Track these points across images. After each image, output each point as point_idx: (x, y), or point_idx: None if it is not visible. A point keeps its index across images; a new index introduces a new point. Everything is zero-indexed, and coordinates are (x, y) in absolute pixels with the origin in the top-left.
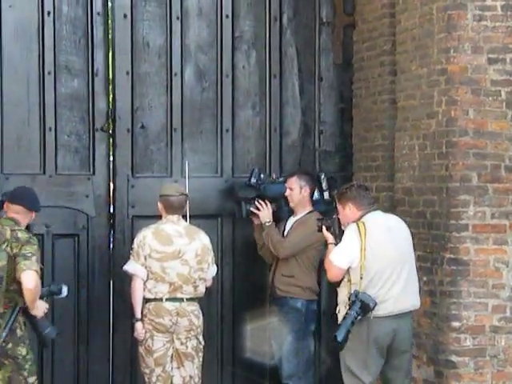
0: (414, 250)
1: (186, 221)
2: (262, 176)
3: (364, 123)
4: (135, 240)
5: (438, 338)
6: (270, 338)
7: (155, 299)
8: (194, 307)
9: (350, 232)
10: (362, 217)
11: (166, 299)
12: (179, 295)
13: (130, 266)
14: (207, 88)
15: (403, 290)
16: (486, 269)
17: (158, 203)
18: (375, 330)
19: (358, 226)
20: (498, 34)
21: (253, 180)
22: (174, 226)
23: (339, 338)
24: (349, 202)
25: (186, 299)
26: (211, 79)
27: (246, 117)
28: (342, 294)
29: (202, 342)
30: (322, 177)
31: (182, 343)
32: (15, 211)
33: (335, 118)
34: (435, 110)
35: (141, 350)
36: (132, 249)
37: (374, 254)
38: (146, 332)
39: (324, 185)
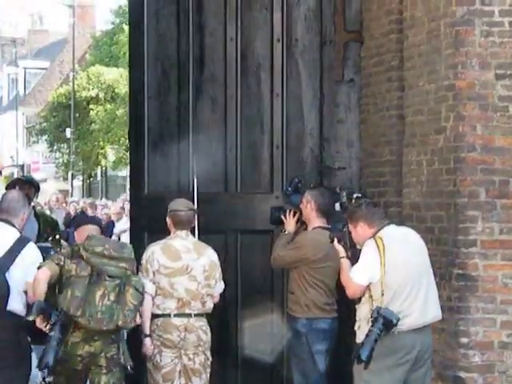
0: None
1: (195, 236)
2: (299, 185)
3: (372, 139)
4: (144, 255)
5: (446, 353)
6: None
7: (163, 315)
8: (202, 323)
9: (369, 248)
10: (375, 233)
11: (174, 315)
12: (187, 311)
13: None
14: None
15: (425, 302)
16: (495, 285)
17: (167, 218)
18: (399, 346)
19: (377, 242)
20: (506, 49)
21: (289, 189)
22: (182, 242)
23: (363, 357)
24: (360, 221)
25: (194, 315)
26: None
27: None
28: (364, 311)
29: (210, 358)
30: (338, 191)
31: (189, 359)
32: (90, 230)
33: (337, 134)
34: (443, 126)
35: (149, 365)
36: (141, 264)
37: (395, 269)
38: (154, 348)
39: (343, 200)
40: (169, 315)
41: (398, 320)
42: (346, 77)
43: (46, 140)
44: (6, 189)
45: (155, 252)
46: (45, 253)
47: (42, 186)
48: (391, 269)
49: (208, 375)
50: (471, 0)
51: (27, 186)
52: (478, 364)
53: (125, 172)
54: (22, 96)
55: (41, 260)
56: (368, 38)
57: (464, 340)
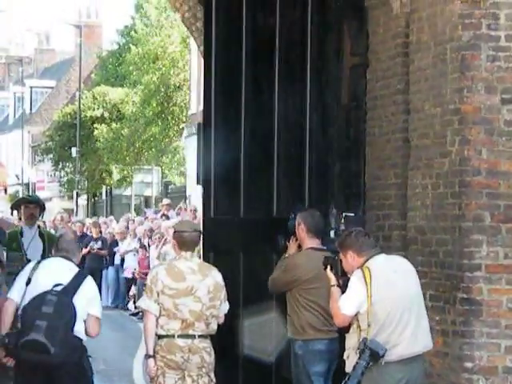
0: (426, 288)
1: (200, 258)
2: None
3: (377, 161)
4: (148, 276)
5: (450, 378)
6: None
7: (167, 336)
8: (206, 344)
9: (356, 278)
10: (365, 262)
11: (178, 336)
12: (191, 332)
13: (142, 303)
14: None
15: (414, 332)
16: (499, 309)
17: (172, 239)
18: (386, 377)
19: (363, 272)
20: None
21: (292, 216)
22: (186, 263)
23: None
24: (349, 250)
25: (198, 336)
26: None
27: None
28: (352, 341)
29: (214, 380)
30: (332, 212)
31: (193, 380)
32: None
33: (344, 156)
34: (448, 150)
35: None
36: (145, 285)
37: (382, 299)
38: (157, 369)
39: (332, 222)
40: (173, 336)
41: (385, 351)
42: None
43: (51, 159)
44: (12, 208)
45: (159, 273)
46: None
47: (46, 204)
48: (377, 299)
49: None
50: (478, 25)
51: (33, 205)
52: None
53: (129, 191)
54: (28, 115)
55: (97, 294)
56: (374, 60)
57: (468, 364)
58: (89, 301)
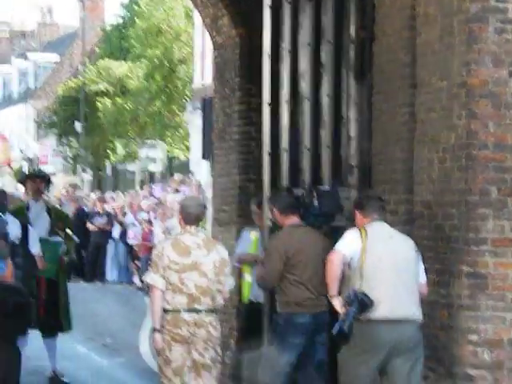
0: (432, 262)
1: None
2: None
3: (383, 136)
4: (154, 251)
5: (455, 351)
6: None
7: (173, 310)
8: (212, 318)
9: (352, 232)
10: (368, 223)
11: (184, 310)
12: (197, 306)
13: (148, 277)
14: None
15: (399, 296)
16: (505, 283)
17: (178, 214)
18: (373, 337)
19: (360, 231)
20: None
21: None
22: (192, 238)
23: (345, 328)
24: (357, 210)
25: (204, 310)
26: None
27: None
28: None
29: (220, 353)
30: (305, 187)
31: (199, 354)
32: None
33: (356, 132)
34: (455, 123)
35: (159, 360)
36: (151, 260)
37: (374, 257)
38: (164, 343)
39: (304, 198)
40: (179, 310)
41: (373, 303)
42: (361, 74)
43: (55, 133)
44: (18, 182)
45: (165, 248)
46: (55, 246)
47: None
48: (370, 255)
49: (218, 370)
50: None
51: (39, 179)
52: (487, 361)
53: (134, 166)
54: (32, 89)
55: None
56: (381, 34)
57: (473, 337)
58: None
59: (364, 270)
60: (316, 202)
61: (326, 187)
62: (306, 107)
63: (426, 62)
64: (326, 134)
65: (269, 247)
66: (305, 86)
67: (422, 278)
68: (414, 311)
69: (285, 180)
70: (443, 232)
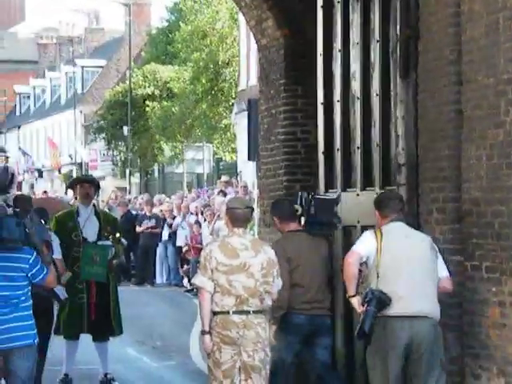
0: (482, 260)
1: (254, 234)
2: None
3: (429, 134)
4: (202, 253)
5: (507, 349)
6: None
7: (222, 312)
8: (261, 319)
9: (367, 234)
10: (386, 223)
11: (233, 312)
12: (246, 308)
13: (197, 280)
14: None
15: (415, 293)
16: None
17: (225, 216)
18: (390, 330)
19: (375, 232)
20: None
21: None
22: (239, 239)
23: (366, 329)
24: (376, 210)
25: (253, 312)
26: None
27: None
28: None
29: (269, 354)
30: (300, 195)
31: (249, 355)
32: None
33: (403, 130)
34: (502, 120)
35: (209, 362)
36: (199, 262)
37: (389, 256)
38: (213, 345)
39: (300, 206)
40: (227, 312)
41: (390, 301)
42: (406, 72)
43: (103, 138)
44: (67, 187)
45: (213, 250)
46: (104, 250)
47: (100, 183)
48: (386, 254)
49: (268, 371)
50: None
51: (88, 184)
52: None
53: (181, 169)
54: (80, 95)
55: None
56: (425, 32)
57: None
58: None
59: (380, 269)
60: (312, 210)
61: (325, 195)
62: (357, 106)
63: (472, 59)
64: (375, 133)
65: (277, 256)
66: (355, 85)
67: (443, 273)
68: (430, 308)
69: (338, 180)
70: (493, 229)
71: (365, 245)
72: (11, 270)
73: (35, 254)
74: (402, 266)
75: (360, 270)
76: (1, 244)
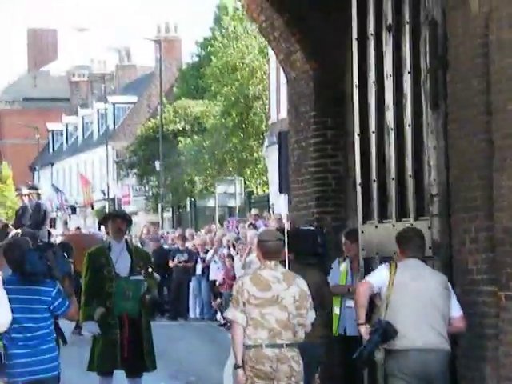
0: None
1: (285, 266)
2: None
3: (460, 164)
4: (234, 286)
5: None
6: None
7: (255, 346)
8: (294, 353)
9: (382, 266)
10: (404, 259)
11: (266, 345)
12: (279, 341)
13: (229, 313)
14: None
15: (423, 328)
16: None
17: (256, 249)
18: (401, 363)
19: (390, 265)
20: None
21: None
22: (271, 272)
23: (365, 355)
24: (397, 244)
25: (286, 345)
26: None
27: None
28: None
29: None
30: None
31: None
32: None
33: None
34: None
35: None
36: (231, 295)
37: (400, 291)
38: (247, 379)
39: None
40: (260, 346)
41: (396, 333)
42: (435, 103)
43: (135, 173)
44: (100, 223)
45: (245, 283)
46: (137, 285)
47: (132, 218)
48: (397, 289)
49: None
50: None
51: (120, 219)
52: None
53: (213, 202)
54: (112, 131)
55: None
56: (453, 62)
57: None
58: None
59: (390, 301)
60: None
61: (307, 228)
62: (391, 137)
63: (501, 88)
64: (409, 164)
65: None
66: (389, 116)
67: (456, 314)
68: (438, 342)
69: (375, 210)
70: None
71: (378, 277)
72: (34, 303)
73: (58, 286)
74: (412, 301)
75: (373, 301)
76: (24, 277)
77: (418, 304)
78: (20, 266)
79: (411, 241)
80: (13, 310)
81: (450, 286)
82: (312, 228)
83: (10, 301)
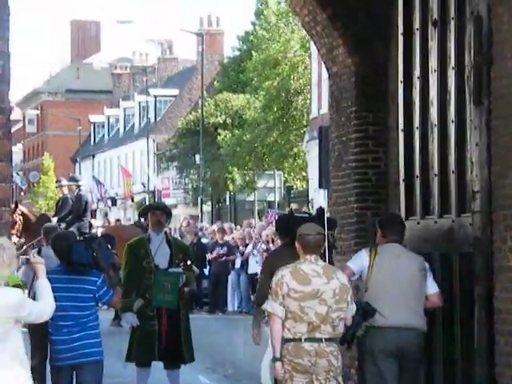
0: None
1: (325, 260)
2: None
3: (503, 160)
4: (273, 279)
5: None
6: None
7: (294, 339)
8: (333, 348)
9: (362, 251)
10: (385, 243)
11: (305, 339)
12: (318, 335)
13: (268, 306)
14: None
15: (401, 307)
16: None
17: (296, 243)
18: (379, 339)
19: (371, 249)
20: None
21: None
22: (311, 266)
23: (348, 335)
24: (379, 228)
25: (325, 339)
26: None
27: None
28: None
29: (342, 383)
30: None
31: None
32: None
33: (477, 157)
34: None
35: None
36: (271, 288)
37: (379, 273)
38: (285, 372)
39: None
40: (299, 339)
41: (375, 312)
42: (479, 99)
43: (175, 166)
44: (139, 215)
45: (285, 276)
46: (176, 277)
47: (172, 211)
48: (377, 272)
49: None
50: None
51: (159, 212)
52: None
53: (252, 197)
54: (153, 124)
55: None
56: (498, 58)
57: None
58: None
59: (369, 283)
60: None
61: (303, 215)
62: (435, 133)
63: None
64: (451, 160)
65: (262, 264)
66: (433, 112)
67: (432, 290)
68: (415, 320)
69: (418, 207)
70: None
71: (358, 261)
72: (80, 291)
73: (102, 276)
74: (390, 282)
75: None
76: (71, 267)
77: (394, 284)
78: (66, 257)
79: (394, 225)
80: (58, 298)
81: (427, 266)
82: (306, 215)
83: (56, 289)
